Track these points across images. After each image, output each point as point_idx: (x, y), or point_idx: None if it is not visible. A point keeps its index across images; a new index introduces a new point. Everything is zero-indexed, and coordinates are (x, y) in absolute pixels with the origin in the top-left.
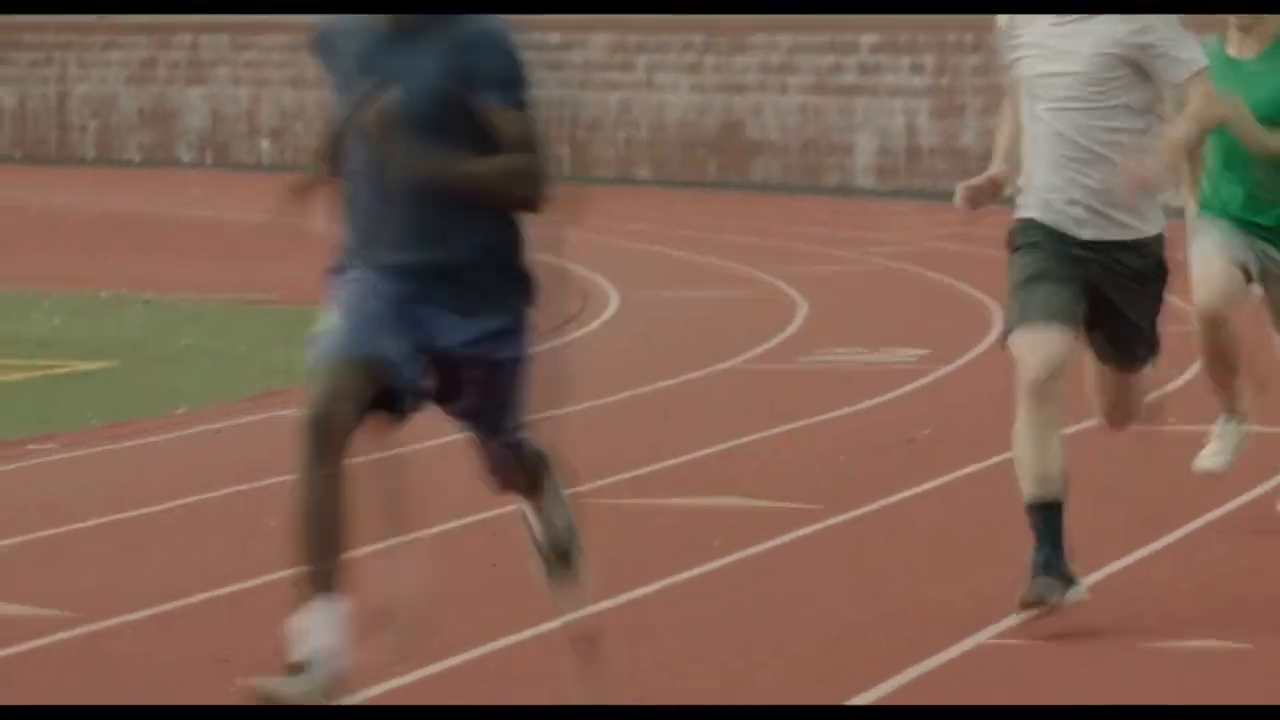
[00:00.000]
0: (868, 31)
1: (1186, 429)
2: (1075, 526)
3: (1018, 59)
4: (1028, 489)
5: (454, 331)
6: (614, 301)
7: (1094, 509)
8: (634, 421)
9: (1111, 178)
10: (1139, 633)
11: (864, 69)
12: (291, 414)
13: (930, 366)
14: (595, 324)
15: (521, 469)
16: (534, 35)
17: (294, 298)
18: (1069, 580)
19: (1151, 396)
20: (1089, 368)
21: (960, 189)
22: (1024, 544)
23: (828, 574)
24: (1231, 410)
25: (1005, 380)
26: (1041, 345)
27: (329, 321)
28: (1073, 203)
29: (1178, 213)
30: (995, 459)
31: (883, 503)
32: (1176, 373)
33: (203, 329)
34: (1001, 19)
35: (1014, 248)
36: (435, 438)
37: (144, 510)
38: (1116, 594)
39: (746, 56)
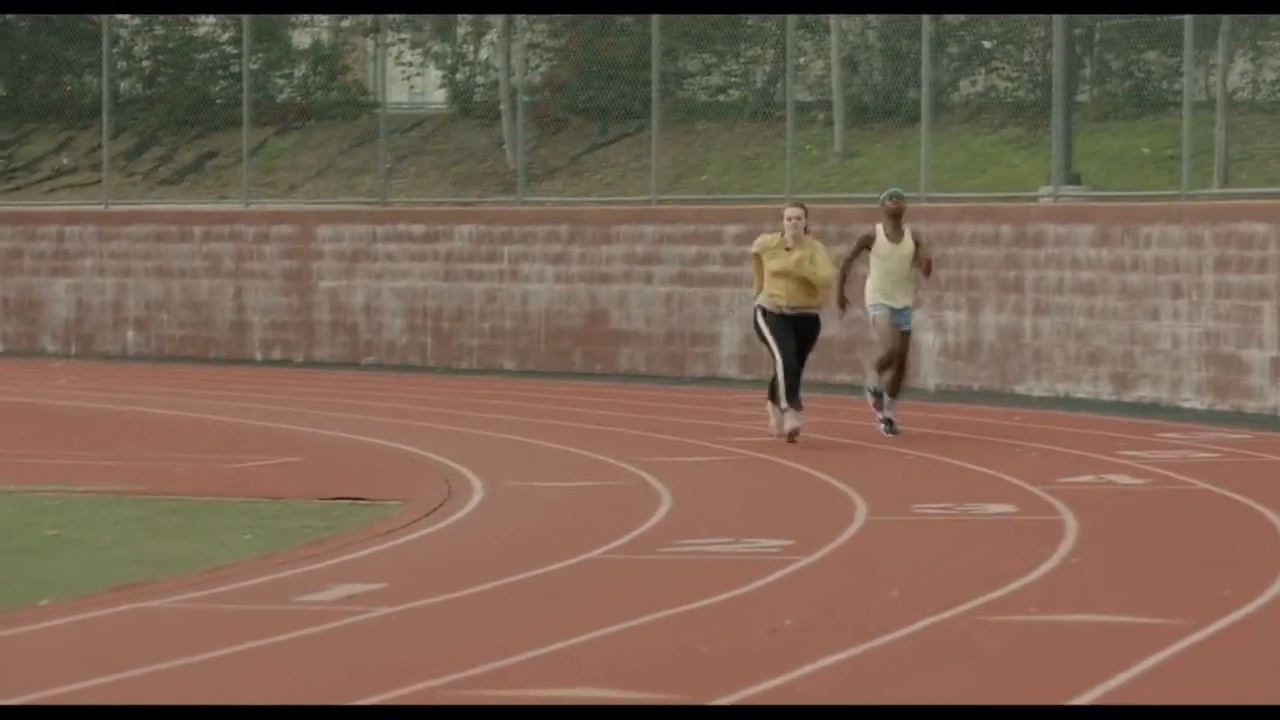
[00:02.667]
0: (731, 222)
1: None
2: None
3: None
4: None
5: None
6: (479, 492)
7: (962, 698)
8: (497, 612)
9: None
10: None
11: (728, 259)
12: (157, 605)
13: (793, 556)
14: (460, 514)
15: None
16: (401, 226)
17: (158, 489)
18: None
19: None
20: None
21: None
22: None
23: None
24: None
25: (867, 571)
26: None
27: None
28: None
29: None
30: (859, 649)
31: (746, 692)
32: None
33: (67, 520)
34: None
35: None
36: None
37: (7, 702)
38: None
39: (611, 246)
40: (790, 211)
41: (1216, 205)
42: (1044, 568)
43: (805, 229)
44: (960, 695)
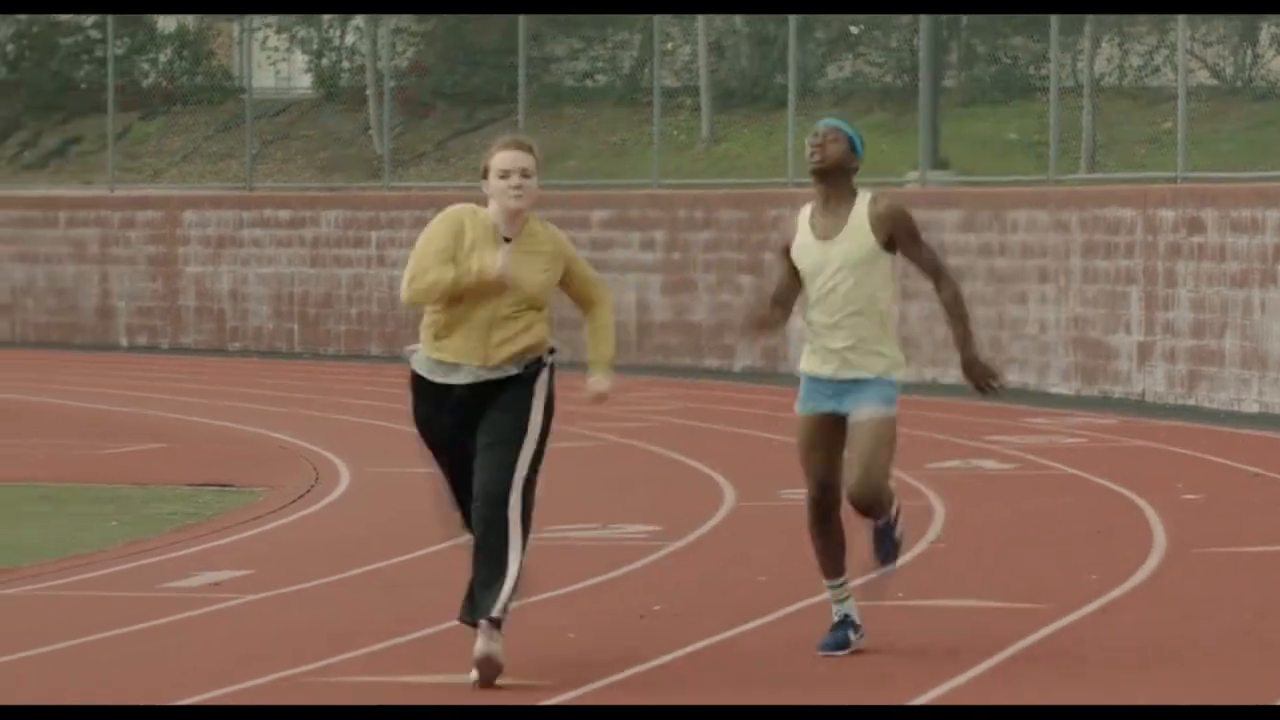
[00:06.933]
0: (598, 208)
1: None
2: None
3: None
4: None
5: None
6: (345, 478)
7: (825, 684)
8: (363, 598)
9: None
10: None
11: (596, 244)
12: (20, 592)
13: (661, 542)
14: (326, 500)
15: None
16: (267, 211)
17: (21, 476)
18: None
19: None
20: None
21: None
22: None
23: None
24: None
25: (736, 556)
26: None
27: None
28: None
29: None
30: (726, 634)
31: (613, 679)
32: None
33: None
34: None
35: None
36: None
37: None
38: None
39: None
40: (504, 158)
41: (1083, 191)
42: (912, 552)
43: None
44: (826, 678)
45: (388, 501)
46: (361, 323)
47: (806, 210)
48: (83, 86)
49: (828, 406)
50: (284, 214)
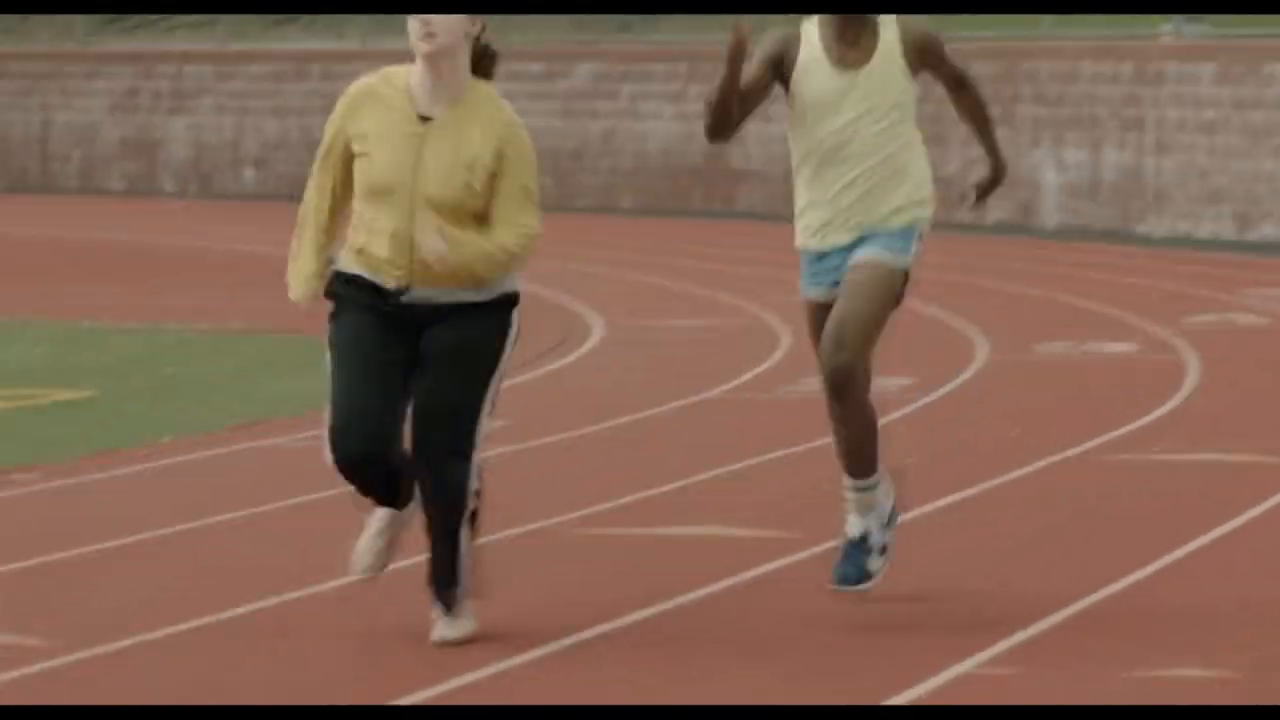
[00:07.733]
0: None
1: (1174, 458)
2: (1069, 552)
3: None
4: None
5: None
6: (597, 331)
7: (1085, 535)
8: (617, 451)
9: None
10: (1124, 661)
11: None
12: (276, 443)
13: (914, 395)
14: (579, 353)
15: None
16: (517, 65)
17: (274, 327)
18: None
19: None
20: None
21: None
22: (1012, 573)
23: (807, 603)
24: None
25: (989, 408)
26: None
27: None
28: None
29: None
30: (980, 486)
31: None
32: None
33: (185, 358)
34: None
35: None
36: None
37: (125, 540)
38: (1103, 621)
39: None
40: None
41: None
42: (1166, 406)
43: (482, 56)
44: (1081, 535)
45: (640, 354)
46: (613, 175)
47: (812, 27)
48: None
49: (828, 290)
50: (536, 67)
